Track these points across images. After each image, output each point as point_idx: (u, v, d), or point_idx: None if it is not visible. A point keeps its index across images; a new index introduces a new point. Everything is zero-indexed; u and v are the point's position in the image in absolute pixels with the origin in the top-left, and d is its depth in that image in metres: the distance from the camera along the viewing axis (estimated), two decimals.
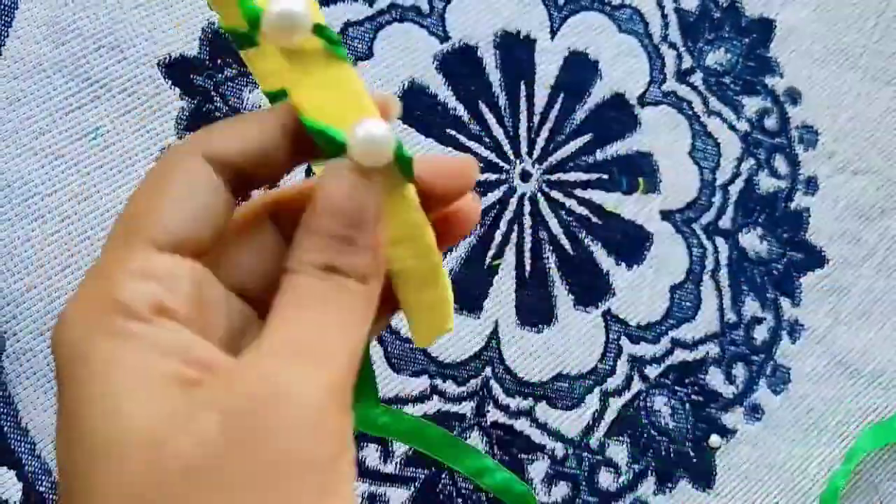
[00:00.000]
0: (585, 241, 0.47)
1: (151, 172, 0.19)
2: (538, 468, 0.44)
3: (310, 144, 0.19)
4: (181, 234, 0.18)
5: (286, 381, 0.16)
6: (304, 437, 0.16)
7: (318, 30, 0.18)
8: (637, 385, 0.46)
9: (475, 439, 0.44)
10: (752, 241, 0.50)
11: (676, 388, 0.47)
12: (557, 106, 0.48)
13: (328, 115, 0.18)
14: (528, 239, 0.46)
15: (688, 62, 0.51)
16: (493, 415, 0.44)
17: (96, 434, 0.16)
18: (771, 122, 0.51)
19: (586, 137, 0.48)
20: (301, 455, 0.16)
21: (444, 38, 0.47)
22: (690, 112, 0.50)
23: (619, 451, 0.45)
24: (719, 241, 0.49)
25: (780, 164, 0.51)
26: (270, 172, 0.20)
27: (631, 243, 0.47)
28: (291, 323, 0.17)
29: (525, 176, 0.47)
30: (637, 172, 0.48)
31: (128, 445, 0.16)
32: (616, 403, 0.46)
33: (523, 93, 0.48)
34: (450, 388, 0.44)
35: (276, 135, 0.19)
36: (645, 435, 0.46)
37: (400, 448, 0.42)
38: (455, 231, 0.22)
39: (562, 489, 0.44)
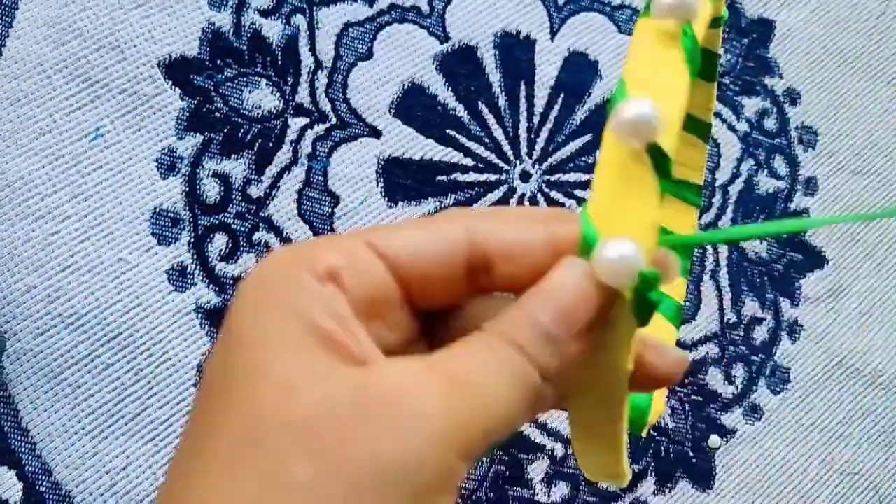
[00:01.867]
0: None
1: (432, 216, 0.21)
2: (538, 468, 0.44)
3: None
4: (391, 248, 0.18)
5: (424, 393, 0.16)
6: (413, 448, 0.16)
7: (655, 149, 0.18)
8: None
9: None
10: (752, 241, 0.50)
11: (676, 388, 0.47)
12: (557, 106, 0.48)
13: (611, 221, 0.18)
14: None
15: None
16: None
17: (250, 361, 0.17)
18: (770, 123, 0.51)
19: (586, 138, 0.48)
20: (397, 464, 0.16)
21: (444, 38, 0.47)
22: None
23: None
24: None
25: (780, 164, 0.51)
26: (516, 272, 0.19)
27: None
28: (457, 358, 0.17)
29: (525, 176, 0.47)
30: None
31: (265, 378, 0.17)
32: None
33: (523, 93, 0.48)
34: None
35: (539, 244, 0.19)
36: (644, 435, 0.46)
37: None
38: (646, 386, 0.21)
39: (562, 489, 0.44)
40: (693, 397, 0.47)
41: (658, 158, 0.18)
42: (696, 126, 0.35)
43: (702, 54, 0.21)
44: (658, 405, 0.20)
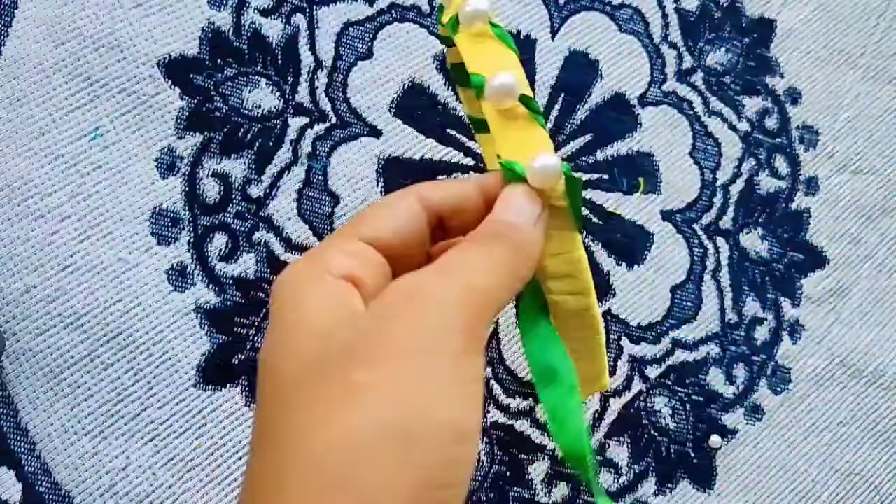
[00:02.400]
0: (585, 241, 0.47)
1: (386, 197, 0.26)
2: (538, 468, 0.44)
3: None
4: (378, 235, 0.24)
5: (429, 283, 0.22)
6: (436, 325, 0.21)
7: (523, 99, 0.25)
8: (637, 385, 0.46)
9: None
10: (753, 241, 0.50)
11: (677, 388, 0.47)
12: (557, 106, 0.48)
13: (519, 156, 0.25)
14: None
15: (688, 62, 0.51)
16: (494, 415, 0.44)
17: (292, 326, 0.22)
18: (771, 122, 0.51)
19: (586, 137, 0.48)
20: (431, 339, 0.21)
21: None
22: (691, 112, 0.50)
23: (619, 452, 0.45)
24: (720, 241, 0.49)
25: (781, 164, 0.51)
26: (463, 220, 0.26)
27: (631, 243, 0.47)
28: (446, 256, 0.23)
29: None
30: (637, 172, 0.48)
31: (307, 331, 0.22)
32: (616, 404, 0.46)
33: None
34: None
35: (473, 193, 0.26)
36: (645, 435, 0.46)
37: None
38: None
39: (562, 489, 0.44)
40: (694, 397, 0.47)
41: (528, 103, 0.25)
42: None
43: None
44: (596, 355, 0.28)
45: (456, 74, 0.37)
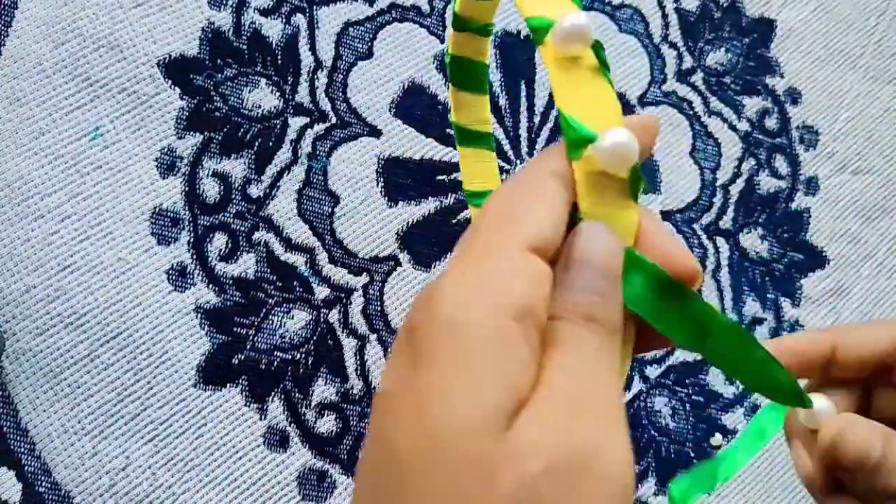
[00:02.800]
0: None
1: (521, 182, 0.21)
2: None
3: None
4: (544, 240, 0.20)
5: (594, 444, 0.17)
6: (619, 499, 0.17)
7: (595, 46, 0.20)
8: (637, 385, 0.46)
9: None
10: (753, 241, 0.50)
11: (677, 388, 0.47)
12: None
13: (585, 117, 0.20)
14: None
15: (688, 62, 0.51)
16: None
17: (435, 416, 0.17)
18: (771, 122, 0.51)
19: None
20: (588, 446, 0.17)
21: (444, 38, 0.47)
22: (691, 112, 0.50)
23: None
24: (720, 241, 0.49)
25: (781, 164, 0.51)
26: None
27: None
28: (572, 370, 0.19)
29: None
30: None
31: (453, 445, 0.17)
32: None
33: (524, 92, 0.48)
34: None
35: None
36: (645, 435, 0.46)
37: None
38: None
39: None
40: (694, 397, 0.47)
41: (599, 52, 0.21)
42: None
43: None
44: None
45: (453, 70, 0.35)
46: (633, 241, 0.21)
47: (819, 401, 0.23)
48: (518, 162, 0.47)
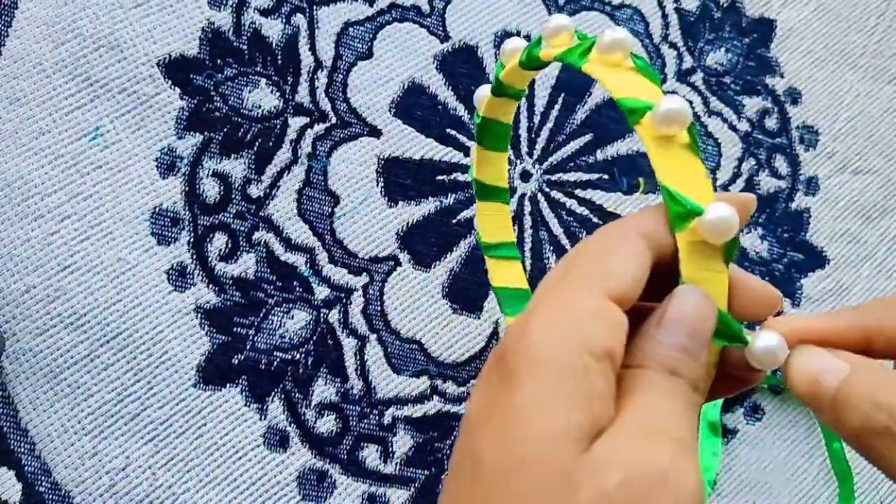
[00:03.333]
0: None
1: (612, 235, 0.23)
2: None
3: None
4: (625, 292, 0.22)
5: (667, 465, 0.19)
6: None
7: (690, 128, 0.23)
8: None
9: None
10: (753, 241, 0.50)
11: None
12: (558, 106, 0.48)
13: (687, 191, 0.23)
14: (528, 239, 0.46)
15: (688, 62, 0.51)
16: None
17: (521, 431, 0.19)
18: (771, 122, 0.51)
19: (586, 137, 0.48)
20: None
21: (444, 38, 0.47)
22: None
23: None
24: None
25: (781, 164, 0.51)
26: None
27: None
28: (652, 409, 0.21)
29: (525, 176, 0.47)
30: (637, 172, 0.48)
31: (537, 458, 0.19)
32: None
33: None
34: (450, 388, 0.44)
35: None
36: None
37: (400, 448, 0.42)
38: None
39: None
40: None
41: (692, 132, 0.23)
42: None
43: None
44: None
45: (481, 131, 0.37)
46: (725, 302, 0.23)
47: (765, 338, 0.23)
48: (518, 162, 0.47)
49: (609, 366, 0.20)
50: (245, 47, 0.44)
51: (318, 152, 0.44)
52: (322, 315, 0.43)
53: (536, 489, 0.18)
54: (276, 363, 0.42)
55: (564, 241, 0.47)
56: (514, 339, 0.21)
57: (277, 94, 0.44)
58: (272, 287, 0.42)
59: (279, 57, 0.44)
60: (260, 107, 0.44)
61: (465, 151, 0.46)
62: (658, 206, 0.23)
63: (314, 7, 0.45)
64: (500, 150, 0.40)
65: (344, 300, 0.43)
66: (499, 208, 0.41)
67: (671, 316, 0.22)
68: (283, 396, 0.41)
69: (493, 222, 0.41)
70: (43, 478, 0.39)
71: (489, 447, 0.19)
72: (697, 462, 0.20)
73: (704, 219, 0.22)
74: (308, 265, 0.43)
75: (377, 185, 0.45)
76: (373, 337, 0.43)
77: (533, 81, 0.48)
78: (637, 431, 0.20)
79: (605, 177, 0.48)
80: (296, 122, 0.44)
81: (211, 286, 0.42)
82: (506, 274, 0.42)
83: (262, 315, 0.42)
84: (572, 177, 0.47)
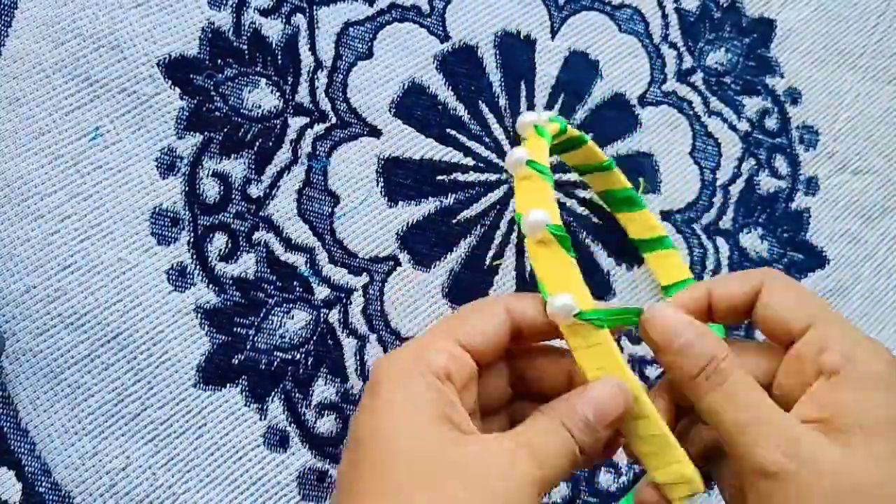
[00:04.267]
0: (585, 241, 0.47)
1: (476, 303, 0.31)
2: None
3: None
4: (475, 342, 0.29)
5: (511, 459, 0.26)
6: (502, 488, 0.25)
7: (553, 229, 0.30)
8: None
9: None
10: (753, 241, 0.50)
11: None
12: (557, 106, 0.48)
13: (549, 283, 0.30)
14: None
15: (688, 62, 0.51)
16: None
17: (380, 434, 0.26)
18: (771, 122, 0.51)
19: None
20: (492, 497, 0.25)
21: (444, 38, 0.47)
22: (691, 112, 0.50)
23: (619, 452, 0.45)
24: (720, 241, 0.49)
25: (781, 164, 0.51)
26: (531, 332, 0.31)
27: (631, 244, 0.47)
28: (531, 434, 0.28)
29: None
30: (637, 172, 0.48)
31: (414, 461, 0.26)
32: None
33: (524, 93, 0.48)
34: None
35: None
36: None
37: None
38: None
39: (562, 489, 0.44)
40: None
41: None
42: (621, 201, 0.46)
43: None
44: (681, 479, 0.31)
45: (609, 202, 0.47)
46: (616, 360, 0.29)
47: (561, 298, 0.29)
48: None
49: (452, 386, 0.27)
50: (245, 47, 0.44)
51: (318, 152, 0.44)
52: (322, 315, 0.43)
53: (403, 460, 0.25)
54: (276, 363, 0.42)
55: None
56: (377, 367, 0.28)
57: (277, 94, 0.44)
58: (272, 287, 0.42)
59: (279, 57, 0.44)
60: (260, 107, 0.44)
61: (465, 151, 0.46)
62: (529, 293, 0.30)
63: (314, 7, 0.45)
64: (634, 209, 0.46)
65: (344, 300, 0.43)
66: (666, 254, 0.47)
67: (585, 392, 0.28)
68: (283, 396, 0.41)
69: (665, 270, 0.47)
70: (43, 478, 0.39)
71: (363, 429, 0.27)
72: (536, 467, 0.26)
73: (552, 306, 0.29)
74: (308, 265, 0.43)
75: (377, 185, 0.45)
76: (373, 337, 0.43)
77: (533, 81, 0.48)
78: (494, 438, 0.26)
79: None
80: (296, 122, 0.44)
81: (211, 286, 0.42)
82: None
83: (262, 315, 0.42)
84: (572, 177, 0.47)
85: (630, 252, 0.47)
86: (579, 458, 0.28)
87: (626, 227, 0.46)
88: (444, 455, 0.25)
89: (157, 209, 0.42)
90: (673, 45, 0.51)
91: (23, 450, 0.39)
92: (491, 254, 0.45)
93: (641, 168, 0.48)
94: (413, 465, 0.25)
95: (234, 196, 0.43)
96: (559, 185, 0.47)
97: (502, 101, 0.47)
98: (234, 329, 0.41)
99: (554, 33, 0.49)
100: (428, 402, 0.26)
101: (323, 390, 0.42)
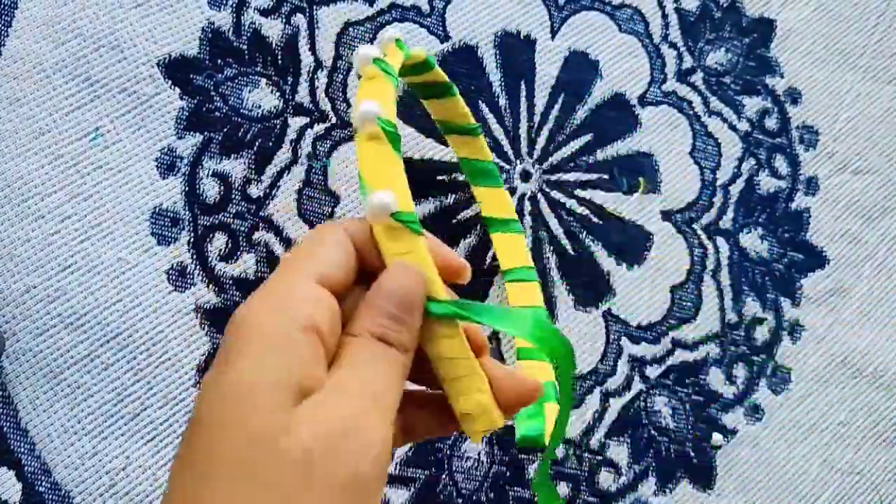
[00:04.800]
0: (586, 241, 0.47)
1: (318, 232, 0.27)
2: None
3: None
4: (332, 275, 0.26)
5: (357, 420, 0.23)
6: (370, 463, 0.22)
7: (383, 124, 0.27)
8: (637, 385, 0.46)
9: None
10: (753, 241, 0.50)
11: (677, 388, 0.47)
12: (557, 106, 0.48)
13: (372, 180, 0.27)
14: (528, 239, 0.46)
15: (688, 62, 0.51)
16: None
17: (233, 395, 0.23)
18: (771, 122, 0.51)
19: (586, 137, 0.48)
20: (364, 477, 0.22)
21: (445, 38, 0.47)
22: (691, 112, 0.50)
23: (619, 452, 0.45)
24: (720, 241, 0.49)
25: (781, 164, 0.51)
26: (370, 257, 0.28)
27: (631, 243, 0.47)
28: (356, 372, 0.25)
29: (525, 176, 0.47)
30: (637, 172, 0.48)
31: (246, 415, 0.22)
32: (616, 404, 0.46)
33: (524, 92, 0.48)
34: None
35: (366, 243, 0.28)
36: (645, 435, 0.46)
37: (400, 449, 0.42)
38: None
39: (562, 489, 0.44)
40: (694, 397, 0.47)
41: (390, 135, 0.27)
42: (460, 129, 0.44)
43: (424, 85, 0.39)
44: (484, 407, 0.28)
45: (465, 170, 0.45)
46: (430, 267, 0.27)
47: (380, 195, 0.26)
48: (518, 162, 0.47)
49: (316, 338, 0.24)
50: (245, 47, 0.44)
51: (318, 152, 0.44)
52: None
53: (242, 443, 0.22)
54: None
55: (564, 241, 0.47)
56: (232, 323, 0.24)
57: (277, 94, 0.44)
58: None
59: (279, 57, 0.44)
60: (260, 107, 0.44)
61: None
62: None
63: (314, 7, 0.45)
64: (494, 185, 0.44)
65: None
66: (513, 238, 0.45)
67: (378, 288, 0.26)
68: None
69: (509, 250, 0.45)
70: (43, 478, 0.39)
71: (208, 409, 0.23)
72: (388, 418, 0.24)
73: (370, 203, 0.26)
74: None
75: None
76: None
77: (533, 81, 0.48)
78: (336, 391, 0.23)
79: (605, 177, 0.48)
80: (296, 122, 0.44)
81: (211, 286, 0.42)
82: (522, 296, 0.45)
83: None
84: (572, 177, 0.47)
85: (630, 252, 0.47)
86: (406, 361, 0.26)
87: (482, 201, 0.45)
88: (276, 444, 0.22)
89: (157, 209, 0.42)
90: (673, 45, 0.51)
91: (23, 450, 0.39)
92: (491, 254, 0.45)
93: (641, 168, 0.48)
94: (243, 460, 0.22)
95: (234, 196, 0.43)
96: (560, 185, 0.47)
97: (502, 101, 0.47)
98: None
99: (554, 33, 0.49)
100: (281, 373, 0.23)
101: None
